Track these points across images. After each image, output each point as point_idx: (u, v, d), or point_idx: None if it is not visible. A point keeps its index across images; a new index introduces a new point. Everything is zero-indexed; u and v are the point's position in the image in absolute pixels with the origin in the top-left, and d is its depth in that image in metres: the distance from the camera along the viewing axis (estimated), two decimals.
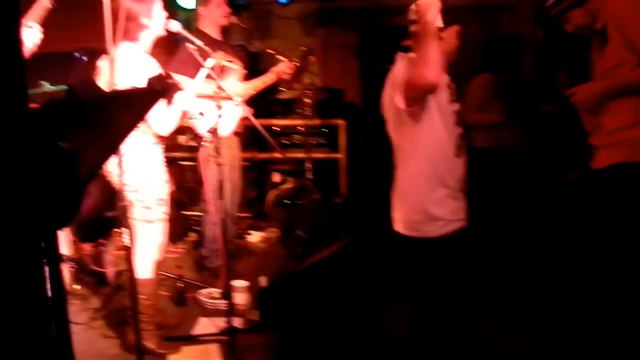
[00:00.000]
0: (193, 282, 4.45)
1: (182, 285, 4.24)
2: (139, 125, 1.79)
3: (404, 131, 2.80)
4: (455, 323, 2.96)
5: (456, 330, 2.97)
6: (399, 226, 2.92)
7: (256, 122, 3.92)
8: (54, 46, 5.42)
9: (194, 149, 5.18)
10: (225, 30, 5.83)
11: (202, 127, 4.26)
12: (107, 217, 4.48)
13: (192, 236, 5.65)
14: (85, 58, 4.24)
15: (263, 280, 3.98)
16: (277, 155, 5.96)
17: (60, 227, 1.61)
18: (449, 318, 2.93)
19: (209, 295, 4.21)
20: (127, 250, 2.92)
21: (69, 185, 1.53)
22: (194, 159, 5.86)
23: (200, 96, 4.22)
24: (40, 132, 1.29)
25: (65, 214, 1.63)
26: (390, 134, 2.90)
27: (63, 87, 3.86)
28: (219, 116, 3.63)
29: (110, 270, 4.49)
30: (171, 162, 5.86)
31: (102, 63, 3.41)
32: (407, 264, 2.94)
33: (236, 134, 4.67)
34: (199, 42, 3.51)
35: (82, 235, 4.60)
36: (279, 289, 3.80)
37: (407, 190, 2.88)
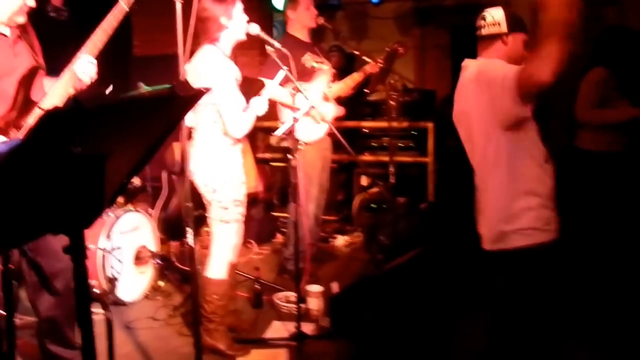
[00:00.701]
0: (271, 284, 4.46)
1: (260, 287, 4.24)
2: (171, 131, 1.77)
3: (495, 137, 2.65)
4: (534, 342, 2.77)
5: (534, 351, 2.78)
6: (481, 235, 2.78)
7: (330, 123, 3.89)
8: (156, 49, 5.66)
9: (286, 150, 5.21)
10: (319, 31, 5.83)
11: (296, 130, 4.29)
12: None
13: (280, 237, 5.69)
14: None
15: (335, 286, 3.92)
16: (366, 157, 5.88)
17: (86, 226, 1.63)
18: (528, 336, 2.73)
19: (286, 298, 4.19)
20: (191, 250, 2.93)
21: (93, 186, 1.55)
22: (284, 160, 5.91)
23: (281, 102, 4.28)
24: (62, 135, 1.32)
25: (89, 214, 1.65)
26: (468, 143, 2.75)
27: (162, 87, 3.97)
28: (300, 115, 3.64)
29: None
30: (262, 163, 6.01)
31: (187, 66, 3.48)
32: (489, 275, 2.79)
33: (329, 135, 4.64)
34: (277, 45, 3.50)
35: (168, 233, 4.73)
36: (351, 296, 3.72)
37: (492, 196, 2.73)
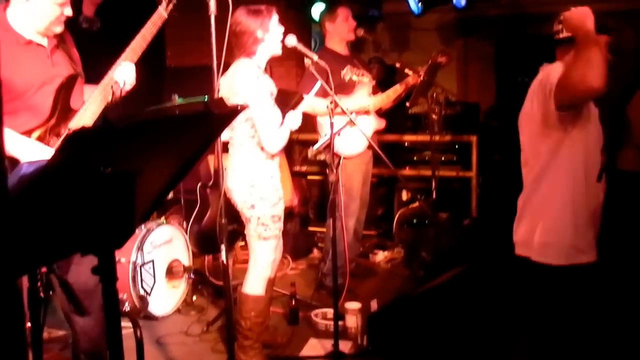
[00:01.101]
0: (308, 300, 4.33)
1: (296, 303, 4.12)
2: (206, 148, 1.70)
3: (545, 143, 2.59)
4: None
5: None
6: (522, 249, 2.66)
7: (370, 136, 3.78)
8: (190, 60, 5.62)
9: (323, 164, 5.13)
10: (360, 43, 5.74)
11: (335, 143, 4.20)
12: (228, 230, 4.50)
13: (316, 253, 5.57)
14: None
15: (374, 304, 3.78)
16: (407, 172, 5.74)
17: (116, 246, 1.56)
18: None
19: (323, 315, 4.07)
20: (224, 266, 2.85)
21: (123, 205, 1.51)
22: (321, 174, 5.81)
23: (321, 113, 4.19)
24: (89, 155, 1.29)
25: (120, 234, 1.58)
26: (524, 146, 2.68)
27: (195, 99, 3.92)
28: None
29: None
30: (298, 176, 5.92)
31: (222, 80, 3.41)
32: (528, 293, 2.66)
33: (368, 148, 4.53)
34: (315, 57, 3.41)
35: (202, 247, 4.64)
36: (390, 314, 3.57)
37: (538, 210, 2.66)
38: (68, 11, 2.68)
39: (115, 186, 1.41)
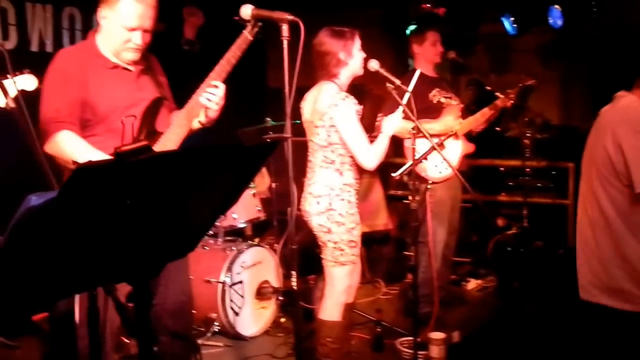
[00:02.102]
0: (394, 327, 4.29)
1: (381, 329, 4.10)
2: (245, 182, 1.72)
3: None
4: None
5: None
6: (594, 293, 2.53)
7: (458, 161, 3.74)
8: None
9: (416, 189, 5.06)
10: (457, 65, 5.69)
11: (423, 168, 4.20)
12: (317, 253, 4.56)
13: (410, 278, 5.49)
14: None
15: (456, 335, 3.69)
16: (502, 198, 5.59)
17: (151, 276, 1.62)
18: None
19: (409, 343, 4.01)
20: (295, 292, 2.88)
21: (155, 237, 1.54)
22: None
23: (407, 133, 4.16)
24: (101, 188, 1.29)
25: (154, 264, 1.63)
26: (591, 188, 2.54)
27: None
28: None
29: (317, 307, 4.53)
30: (395, 200, 5.88)
31: (304, 103, 3.48)
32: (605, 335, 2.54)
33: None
34: (397, 82, 3.41)
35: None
36: (473, 345, 3.49)
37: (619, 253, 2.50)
38: (137, 39, 2.75)
39: (141, 218, 1.41)
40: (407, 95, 3.36)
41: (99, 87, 2.73)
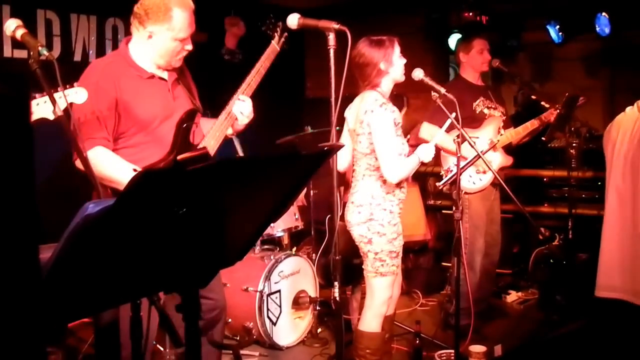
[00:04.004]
0: (433, 339, 4.22)
1: (420, 342, 4.03)
2: (298, 189, 1.71)
3: None
4: None
5: None
6: None
7: (495, 172, 3.68)
8: (328, 91, 5.78)
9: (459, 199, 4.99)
10: (502, 74, 5.60)
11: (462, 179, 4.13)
12: (355, 264, 4.52)
13: (449, 289, 5.41)
14: None
15: (497, 349, 3.61)
16: (545, 209, 5.48)
17: (201, 286, 1.61)
18: None
19: (448, 356, 3.94)
20: (336, 303, 2.85)
21: (206, 246, 1.53)
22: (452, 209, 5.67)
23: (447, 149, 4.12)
24: (159, 195, 1.28)
25: (204, 273, 1.63)
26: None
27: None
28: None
29: (354, 317, 4.49)
30: (433, 210, 5.82)
31: (347, 112, 3.46)
32: None
33: (493, 185, 4.39)
34: (442, 90, 3.38)
35: (330, 279, 4.68)
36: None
37: None
38: (189, 46, 2.77)
39: (195, 226, 1.40)
40: (448, 121, 3.32)
41: (135, 97, 2.71)
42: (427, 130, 4.25)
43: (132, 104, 2.70)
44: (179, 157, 1.30)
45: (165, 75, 2.83)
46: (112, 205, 1.19)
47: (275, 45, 2.89)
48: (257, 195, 1.56)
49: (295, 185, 1.68)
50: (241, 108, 2.87)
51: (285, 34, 2.77)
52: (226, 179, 1.38)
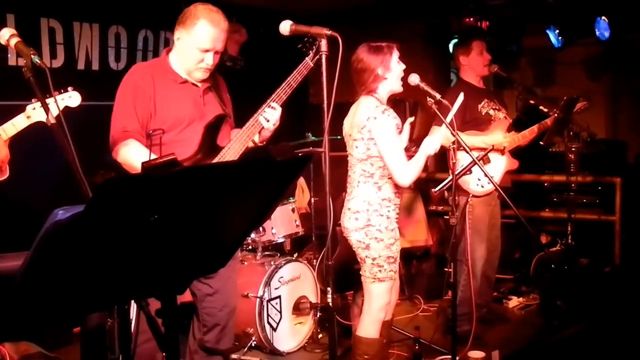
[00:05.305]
0: (433, 345, 4.22)
1: (419, 347, 4.04)
2: (279, 196, 1.72)
3: None
4: None
5: None
6: None
7: (497, 176, 3.68)
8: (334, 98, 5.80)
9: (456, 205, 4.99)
10: (501, 79, 5.61)
11: (466, 181, 4.16)
12: (356, 269, 4.53)
13: (450, 295, 5.41)
14: None
15: (495, 355, 3.61)
16: (546, 214, 5.47)
17: (179, 292, 1.62)
18: None
19: None
20: (331, 309, 2.86)
21: (181, 252, 1.53)
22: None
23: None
24: (126, 203, 1.29)
25: (182, 280, 1.63)
26: None
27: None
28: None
29: (355, 323, 4.50)
30: (435, 216, 5.81)
31: (345, 120, 3.48)
32: None
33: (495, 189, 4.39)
34: (438, 96, 3.38)
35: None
36: None
37: None
38: (209, 59, 2.91)
39: (168, 233, 1.40)
40: (450, 115, 3.32)
41: (167, 100, 2.91)
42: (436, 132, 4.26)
43: (165, 104, 2.90)
44: (142, 162, 1.31)
45: (198, 82, 3.00)
46: (80, 212, 1.21)
47: (309, 62, 3.00)
48: (231, 202, 1.55)
49: (273, 192, 1.68)
50: (268, 115, 3.00)
51: (322, 52, 2.79)
52: (195, 186, 1.38)
